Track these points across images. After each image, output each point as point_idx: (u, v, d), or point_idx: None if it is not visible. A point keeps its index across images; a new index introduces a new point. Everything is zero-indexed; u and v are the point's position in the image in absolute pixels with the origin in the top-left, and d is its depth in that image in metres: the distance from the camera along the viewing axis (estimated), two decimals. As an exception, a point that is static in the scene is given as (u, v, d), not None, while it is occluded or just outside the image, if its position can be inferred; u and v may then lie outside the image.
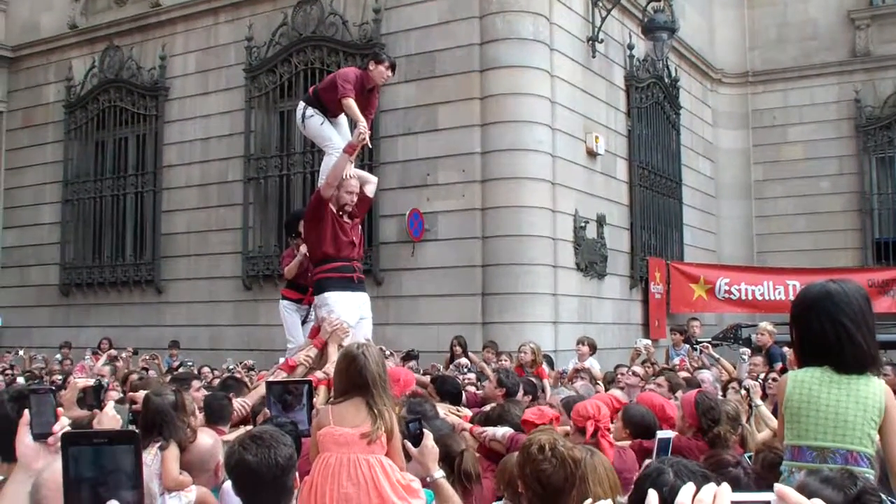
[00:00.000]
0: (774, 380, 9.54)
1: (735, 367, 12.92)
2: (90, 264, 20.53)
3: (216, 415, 6.68)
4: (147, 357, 14.75)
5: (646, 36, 18.37)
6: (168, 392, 5.83)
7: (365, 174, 9.95)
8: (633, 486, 3.32)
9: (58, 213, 21.20)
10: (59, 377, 13.69)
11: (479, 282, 15.56)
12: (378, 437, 5.21)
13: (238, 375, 11.98)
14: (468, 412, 7.78)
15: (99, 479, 2.59)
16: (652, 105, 19.93)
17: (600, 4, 17.70)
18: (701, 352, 13.80)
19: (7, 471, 3.44)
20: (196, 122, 19.19)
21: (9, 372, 15.08)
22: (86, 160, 21.00)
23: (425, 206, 16.02)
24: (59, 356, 17.29)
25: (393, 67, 9.92)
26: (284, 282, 11.15)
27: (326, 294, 8.82)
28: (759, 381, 9.98)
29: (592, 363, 13.22)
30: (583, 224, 16.69)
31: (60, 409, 3.01)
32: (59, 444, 2.75)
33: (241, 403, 7.20)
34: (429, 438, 5.07)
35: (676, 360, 14.61)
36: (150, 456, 5.35)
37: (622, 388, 10.22)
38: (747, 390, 9.27)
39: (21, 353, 17.31)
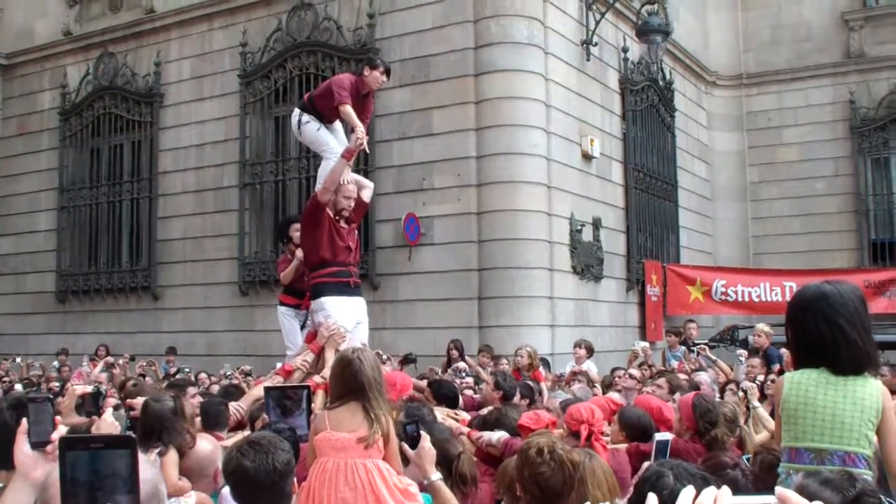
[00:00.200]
0: (773, 381, 9.54)
1: (732, 369, 12.92)
2: (86, 271, 20.51)
3: (213, 420, 6.67)
4: (144, 363, 14.74)
5: (640, 39, 18.38)
6: (167, 398, 5.83)
7: (362, 179, 9.97)
8: (632, 489, 3.33)
9: (53, 220, 21.18)
10: (57, 384, 13.70)
11: (475, 286, 15.56)
12: (375, 441, 5.22)
13: (236, 381, 12.00)
14: (466, 416, 7.78)
15: (96, 483, 2.60)
16: (647, 108, 19.95)
17: (594, 8, 17.71)
18: (698, 354, 13.80)
19: (6, 479, 3.44)
20: (191, 129, 19.19)
21: (6, 380, 15.08)
22: (81, 167, 20.98)
23: (421, 210, 16.02)
24: (56, 363, 17.27)
25: (388, 72, 9.93)
26: (281, 287, 11.13)
27: (323, 299, 8.82)
28: (757, 382, 9.99)
29: (590, 366, 13.22)
30: (579, 227, 16.70)
31: (58, 418, 3.01)
32: (57, 451, 2.75)
33: (235, 407, 7.20)
34: (426, 441, 5.06)
35: (673, 363, 14.62)
36: (148, 461, 5.33)
37: (619, 391, 10.23)
38: (745, 392, 9.28)
39: (18, 360, 17.31)
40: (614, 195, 18.38)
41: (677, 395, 8.03)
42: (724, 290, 20.14)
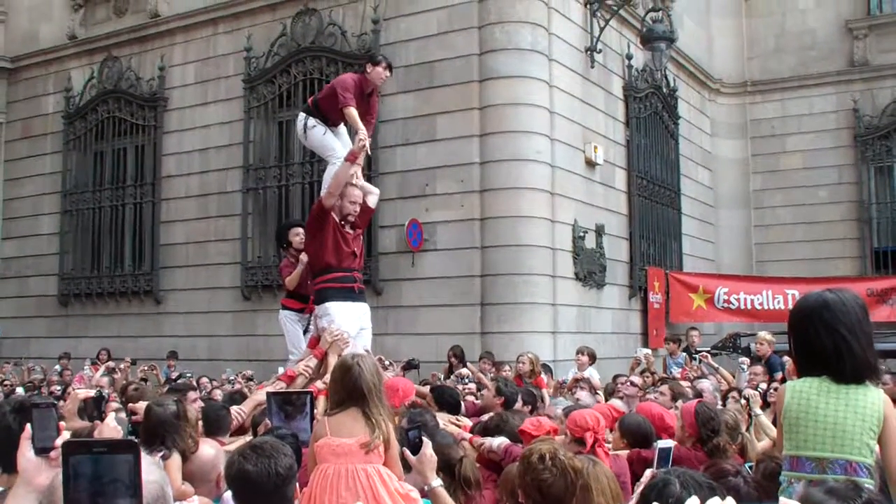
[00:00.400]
0: (776, 389, 9.54)
1: (734, 377, 12.92)
2: (89, 275, 20.52)
3: (214, 425, 6.66)
4: (145, 368, 14.74)
5: (644, 46, 18.39)
6: (170, 402, 5.84)
7: (367, 185, 9.96)
8: (633, 495, 3.33)
9: (56, 223, 21.19)
10: (58, 388, 13.71)
11: (478, 292, 15.56)
12: (376, 446, 5.22)
13: (239, 386, 11.99)
14: (468, 422, 7.77)
15: (98, 487, 2.60)
16: (650, 115, 19.96)
17: (599, 15, 17.74)
18: (700, 361, 13.80)
19: (7, 482, 3.44)
20: (195, 133, 19.20)
21: (7, 383, 15.08)
22: (85, 171, 20.99)
23: (424, 216, 16.02)
24: (58, 367, 17.27)
25: (390, 68, 9.97)
26: (284, 292, 11.12)
27: (327, 304, 8.83)
28: (760, 390, 9.98)
29: (592, 373, 13.21)
30: (582, 234, 16.69)
31: (62, 424, 3.01)
32: (61, 457, 2.75)
33: (237, 411, 7.20)
34: (427, 447, 5.07)
35: (674, 370, 14.62)
36: (152, 464, 5.33)
37: (621, 398, 10.23)
38: (747, 399, 9.27)
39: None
40: (617, 202, 18.38)
41: (679, 403, 8.04)
42: (726, 297, 20.16)
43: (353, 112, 9.35)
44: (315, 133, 9.67)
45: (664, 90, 20.67)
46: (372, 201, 9.56)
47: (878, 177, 22.75)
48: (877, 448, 4.33)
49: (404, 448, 5.16)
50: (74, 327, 20.53)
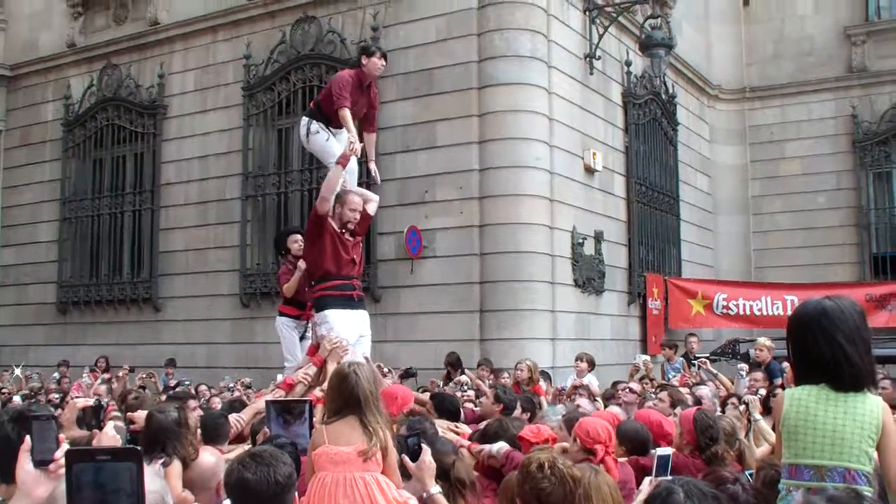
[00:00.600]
0: (775, 395, 9.53)
1: (733, 383, 12.91)
2: (87, 282, 20.52)
3: (212, 433, 6.65)
4: (143, 376, 14.73)
5: (643, 52, 18.42)
6: (171, 409, 5.84)
7: (367, 192, 9.96)
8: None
9: (55, 231, 21.19)
10: (57, 395, 13.70)
11: (477, 299, 15.56)
12: (373, 454, 5.22)
13: (238, 394, 11.98)
14: (467, 429, 7.77)
15: (101, 494, 2.61)
16: (649, 121, 19.98)
17: (598, 21, 17.76)
18: (699, 367, 13.79)
19: (6, 492, 3.44)
20: (194, 140, 19.22)
21: (4, 391, 15.06)
22: (84, 178, 21.00)
23: (423, 223, 16.03)
24: (56, 375, 17.25)
25: (384, 56, 9.96)
26: (282, 298, 11.12)
27: (326, 312, 8.81)
28: (759, 395, 9.98)
29: (591, 379, 13.19)
30: (581, 240, 16.70)
31: (62, 436, 3.01)
32: (60, 470, 2.76)
33: (236, 419, 7.20)
34: (426, 454, 5.07)
35: (672, 376, 14.61)
36: (153, 471, 5.35)
37: (620, 405, 10.22)
38: (746, 404, 9.28)
39: (17, 371, 17.27)
40: (616, 208, 18.39)
41: (678, 410, 8.03)
42: (725, 303, 20.15)
43: (346, 114, 9.33)
44: (317, 139, 9.64)
45: (663, 96, 20.70)
46: (371, 209, 9.55)
47: (876, 182, 22.77)
48: (875, 456, 4.33)
49: (403, 455, 5.16)
50: (73, 335, 20.53)
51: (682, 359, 15.52)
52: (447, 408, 8.32)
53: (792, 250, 22.89)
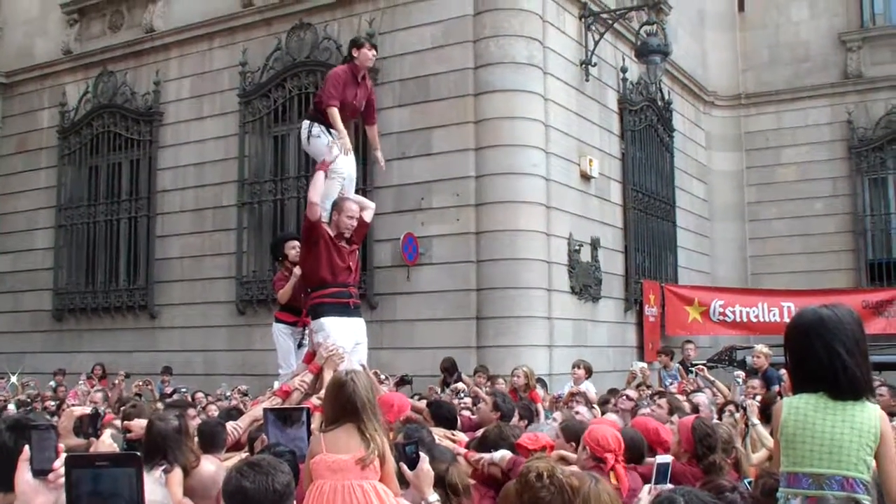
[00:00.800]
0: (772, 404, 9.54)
1: (729, 390, 12.91)
2: (83, 289, 20.50)
3: (209, 441, 6.64)
4: (140, 383, 14.72)
5: (639, 59, 18.43)
6: (172, 417, 5.84)
7: (364, 200, 9.96)
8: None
9: (51, 238, 21.17)
10: (53, 403, 13.68)
11: (473, 306, 15.56)
12: (371, 461, 5.21)
13: (235, 402, 11.96)
14: (463, 437, 7.76)
15: (100, 501, 2.61)
16: (645, 128, 19.99)
17: (593, 28, 17.77)
18: (696, 374, 13.78)
19: (3, 500, 3.43)
20: (190, 147, 19.20)
21: (0, 399, 15.03)
22: (79, 185, 21.00)
23: (420, 230, 16.02)
24: (52, 383, 17.22)
25: (374, 47, 10.05)
26: (278, 305, 11.10)
27: (323, 320, 8.81)
28: (757, 400, 9.98)
29: (588, 387, 13.17)
30: (577, 247, 16.70)
31: (61, 446, 3.01)
32: (59, 479, 2.75)
33: (233, 427, 7.19)
34: (424, 462, 5.06)
35: (669, 383, 14.61)
36: (153, 479, 5.35)
37: (616, 412, 10.21)
38: (744, 409, 9.28)
39: (13, 379, 17.24)
40: (613, 215, 18.39)
41: (675, 417, 8.03)
42: (722, 310, 20.17)
43: (334, 112, 9.38)
44: (318, 143, 9.62)
45: (659, 103, 20.72)
46: (368, 216, 9.54)
47: (872, 188, 22.79)
48: (874, 464, 4.33)
49: (401, 463, 5.15)
50: (69, 342, 20.50)
51: (678, 366, 15.52)
52: (444, 415, 8.31)
53: (788, 257, 22.90)
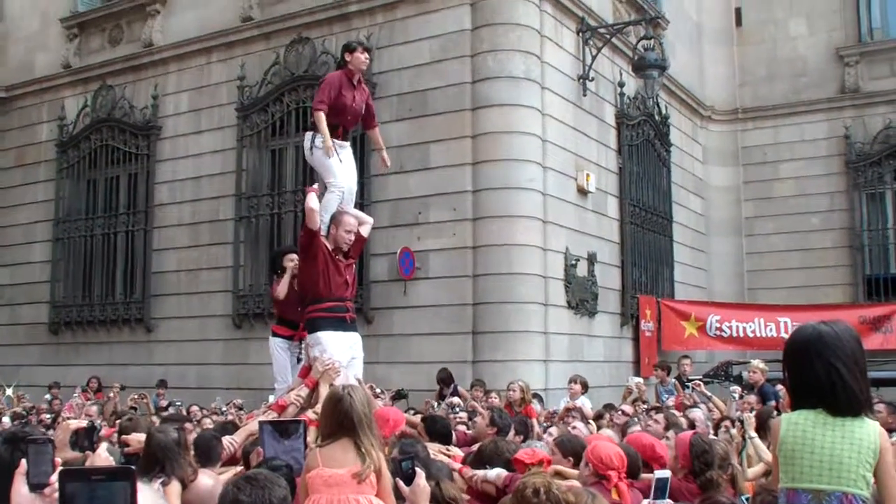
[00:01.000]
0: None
1: (726, 405, 12.92)
2: (80, 303, 20.50)
3: (204, 455, 6.64)
4: (135, 397, 14.70)
5: (636, 74, 18.46)
6: (171, 429, 5.84)
7: (362, 214, 9.94)
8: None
9: (49, 251, 21.18)
10: (48, 416, 13.66)
11: (469, 320, 15.56)
12: (367, 475, 5.20)
13: (231, 417, 11.93)
14: (459, 452, 7.75)
15: None
16: (642, 142, 20.01)
17: (591, 43, 17.79)
18: (693, 389, 13.77)
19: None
20: (188, 161, 19.23)
21: (-5, 410, 15.02)
22: (77, 199, 21.02)
23: (416, 244, 16.03)
24: (48, 396, 17.20)
25: (367, 50, 10.00)
26: (276, 318, 11.08)
27: (319, 334, 8.78)
28: (754, 413, 9.99)
29: (584, 402, 13.19)
30: (574, 262, 16.71)
31: (58, 460, 3.00)
32: (55, 494, 2.75)
33: (229, 441, 7.18)
34: (420, 478, 5.05)
35: (666, 398, 14.59)
36: (152, 491, 5.35)
37: (612, 428, 10.21)
38: (741, 422, 9.28)
39: (9, 391, 17.23)
40: (610, 230, 18.40)
41: (671, 433, 8.02)
42: (718, 325, 20.15)
43: (320, 117, 9.37)
44: (320, 155, 9.59)
45: (656, 118, 20.73)
46: (365, 231, 9.52)
47: (869, 203, 22.78)
48: (873, 480, 4.33)
49: (398, 479, 5.14)
50: (65, 355, 20.50)
51: (674, 381, 15.51)
52: (438, 430, 8.29)
53: (785, 272, 22.89)
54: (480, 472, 6.45)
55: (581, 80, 17.65)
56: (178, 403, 14.60)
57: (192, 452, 6.45)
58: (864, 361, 4.44)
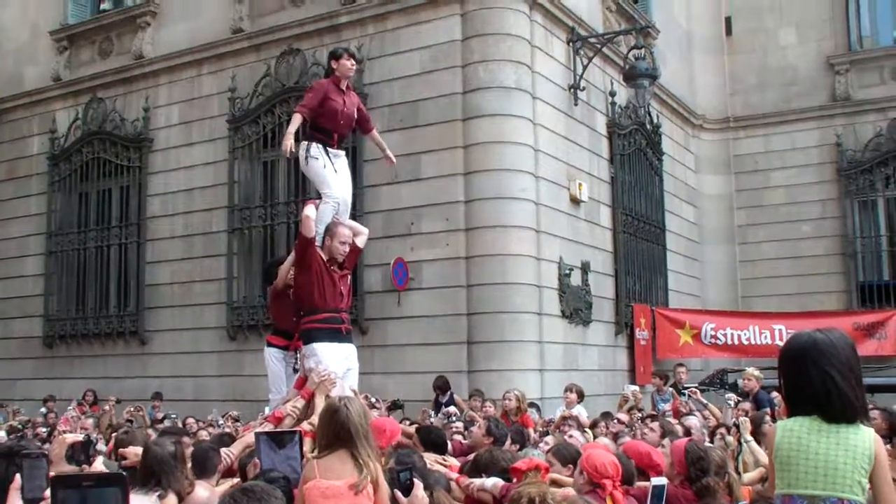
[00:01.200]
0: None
1: (722, 412, 12.93)
2: (74, 316, 20.47)
3: (200, 466, 6.62)
4: (131, 409, 14.68)
5: (627, 83, 18.47)
6: (168, 443, 5.84)
7: (357, 225, 9.91)
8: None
9: (41, 264, 21.14)
10: (44, 429, 13.63)
11: (464, 330, 15.56)
12: (364, 487, 5.19)
13: (228, 430, 11.91)
14: (455, 462, 7.74)
15: None
16: (634, 151, 20.04)
17: (581, 53, 17.82)
18: (689, 397, 13.78)
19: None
20: (179, 173, 19.22)
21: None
22: (70, 212, 20.99)
23: (409, 255, 16.03)
24: (43, 409, 17.17)
25: (353, 56, 9.97)
26: (271, 329, 11.06)
27: (314, 345, 8.76)
28: (749, 417, 10.01)
29: (580, 410, 13.18)
30: (567, 271, 16.71)
31: (53, 474, 3.00)
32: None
33: (226, 453, 7.17)
34: (419, 489, 5.05)
35: (664, 406, 14.60)
36: (150, 501, 5.35)
37: (608, 437, 10.20)
38: (737, 427, 9.29)
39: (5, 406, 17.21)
40: (602, 239, 18.42)
41: (666, 441, 8.03)
42: (713, 333, 20.18)
43: (295, 118, 9.44)
44: (315, 165, 9.56)
45: (648, 127, 20.77)
46: (361, 242, 9.50)
47: (861, 211, 22.83)
48: (868, 486, 4.33)
49: (395, 490, 5.13)
50: (59, 368, 20.45)
51: (671, 389, 15.52)
52: (433, 440, 8.26)
53: (778, 279, 22.93)
54: (477, 481, 6.45)
55: (572, 90, 17.68)
56: (174, 416, 14.59)
57: (189, 465, 6.45)
58: (859, 369, 4.45)
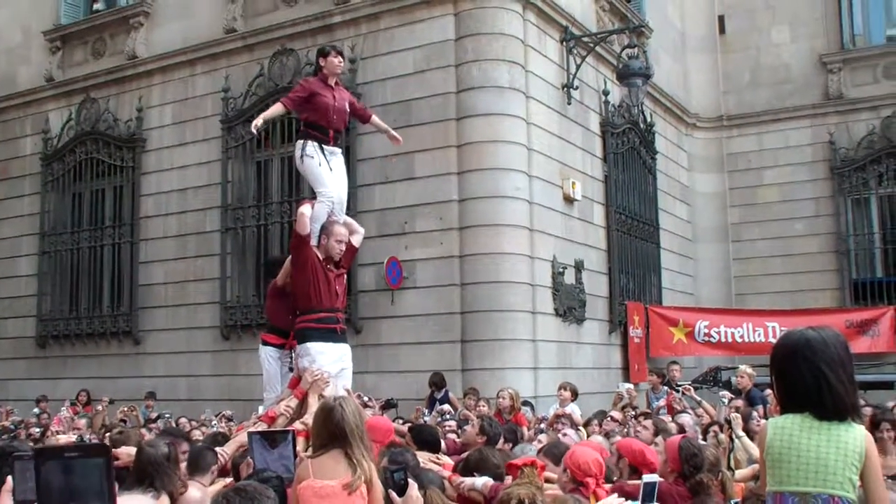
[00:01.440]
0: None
1: (715, 410, 12.94)
2: (67, 316, 20.45)
3: (193, 466, 6.63)
4: (125, 409, 14.67)
5: (620, 82, 18.46)
6: (162, 444, 5.84)
7: (354, 223, 9.86)
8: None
9: (35, 265, 21.12)
10: (37, 430, 13.60)
11: (458, 329, 15.56)
12: (358, 486, 5.19)
13: (222, 430, 11.90)
14: (448, 461, 7.74)
15: (70, 491, 2.61)
16: (628, 150, 20.04)
17: (575, 52, 17.83)
18: (683, 394, 13.79)
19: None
20: (173, 173, 19.20)
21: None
22: (63, 212, 20.96)
23: (403, 254, 16.03)
24: (36, 410, 17.15)
25: (340, 54, 9.98)
26: (266, 327, 11.04)
27: (309, 344, 8.75)
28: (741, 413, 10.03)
29: (574, 409, 13.18)
30: (561, 270, 16.71)
31: None
32: None
33: (220, 452, 7.17)
34: (413, 489, 5.05)
35: (659, 403, 14.60)
36: (147, 499, 5.36)
37: (602, 435, 10.21)
38: (729, 422, 9.30)
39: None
40: (596, 237, 18.42)
41: (659, 438, 8.03)
42: (707, 330, 20.19)
43: (276, 106, 9.61)
44: (310, 164, 9.53)
45: (641, 125, 20.77)
46: (356, 241, 9.49)
47: (855, 209, 22.86)
48: (859, 483, 4.34)
49: (390, 490, 5.13)
50: (53, 369, 20.43)
51: (665, 387, 15.52)
52: (426, 439, 8.25)
53: (772, 277, 22.96)
54: (468, 481, 6.45)
55: (565, 89, 17.68)
56: (168, 415, 14.57)
57: (184, 466, 6.46)
58: (851, 367, 4.45)
